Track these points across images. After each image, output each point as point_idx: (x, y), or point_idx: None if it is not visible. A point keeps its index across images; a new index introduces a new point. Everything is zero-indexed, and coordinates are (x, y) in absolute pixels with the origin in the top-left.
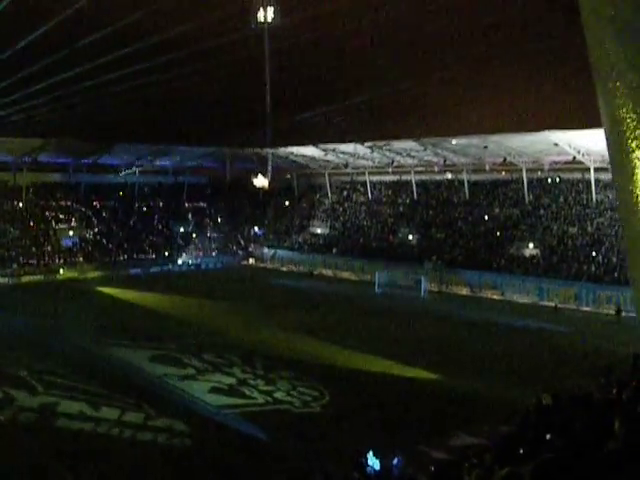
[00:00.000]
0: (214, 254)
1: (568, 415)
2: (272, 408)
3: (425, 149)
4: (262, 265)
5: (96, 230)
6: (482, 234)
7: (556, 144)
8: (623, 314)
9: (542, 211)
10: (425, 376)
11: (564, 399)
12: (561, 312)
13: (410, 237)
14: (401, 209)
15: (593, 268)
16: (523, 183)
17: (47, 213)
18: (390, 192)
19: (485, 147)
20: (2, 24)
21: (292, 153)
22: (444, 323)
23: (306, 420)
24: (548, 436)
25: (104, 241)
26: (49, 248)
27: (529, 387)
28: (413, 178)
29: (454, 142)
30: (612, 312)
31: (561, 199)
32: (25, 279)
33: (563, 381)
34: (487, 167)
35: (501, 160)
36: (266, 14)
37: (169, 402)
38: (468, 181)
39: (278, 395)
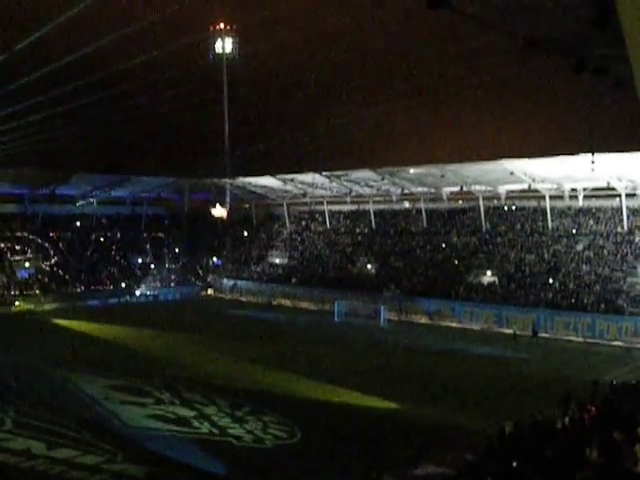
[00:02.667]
0: (172, 285)
1: (533, 442)
2: (218, 439)
3: (383, 179)
4: (221, 296)
5: (53, 261)
6: (440, 262)
7: (512, 172)
8: (582, 339)
9: (499, 239)
10: (386, 405)
11: (526, 426)
12: (520, 339)
13: (369, 266)
14: (359, 238)
15: (550, 295)
16: (480, 211)
17: (2, 244)
18: (348, 221)
19: (442, 176)
20: None
21: (250, 183)
22: (404, 352)
23: (260, 452)
24: (514, 464)
25: (61, 272)
26: (4, 280)
27: (490, 415)
28: (371, 207)
29: (412, 171)
30: (571, 338)
31: (518, 227)
32: None
33: (524, 408)
34: (444, 196)
35: (458, 189)
36: (224, 45)
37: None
38: (426, 210)
39: (225, 425)
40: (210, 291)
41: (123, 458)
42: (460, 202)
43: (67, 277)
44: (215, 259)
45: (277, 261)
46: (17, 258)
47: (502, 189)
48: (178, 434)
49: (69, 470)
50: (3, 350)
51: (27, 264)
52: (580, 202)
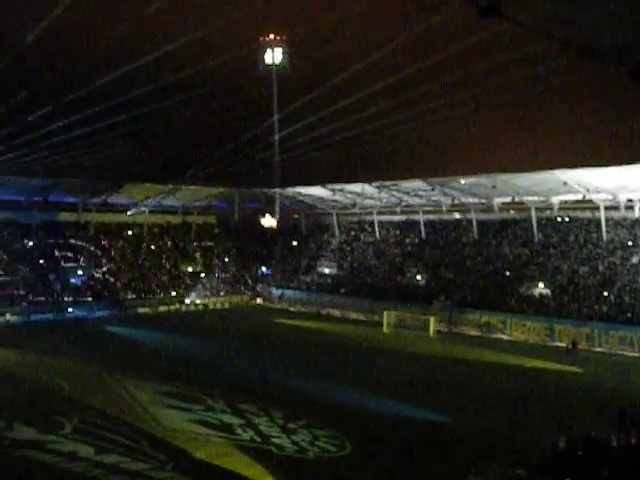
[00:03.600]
0: (222, 294)
1: (588, 460)
2: (257, 446)
3: (433, 189)
4: (270, 305)
5: (105, 269)
6: (491, 274)
7: (565, 183)
8: (639, 354)
9: (552, 250)
10: (436, 418)
11: (580, 443)
12: (573, 353)
13: (418, 277)
14: (409, 249)
15: (605, 308)
16: (532, 222)
17: (56, 252)
18: (398, 232)
19: (494, 187)
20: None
21: (300, 193)
22: (454, 364)
23: (298, 462)
24: None
25: (112, 280)
26: (58, 287)
27: (542, 430)
28: (421, 218)
29: (462, 182)
30: (627, 353)
31: (571, 238)
32: (34, 317)
33: (577, 424)
34: (496, 206)
35: (509, 199)
36: (274, 56)
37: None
38: (477, 220)
39: (270, 434)
40: (259, 300)
41: (173, 467)
42: (512, 213)
43: (118, 285)
44: (264, 268)
45: (326, 271)
46: (70, 265)
47: (555, 200)
48: (216, 438)
49: (108, 473)
50: (58, 356)
51: (80, 271)
52: (636, 213)
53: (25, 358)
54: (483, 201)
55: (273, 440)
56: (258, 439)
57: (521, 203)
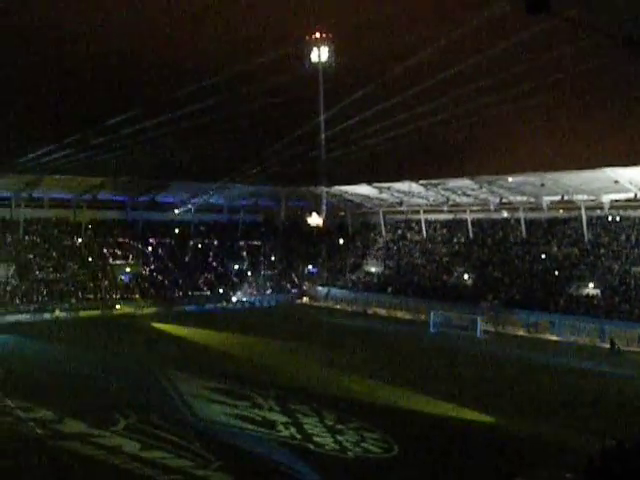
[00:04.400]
0: (268, 292)
1: (636, 465)
2: (295, 443)
3: (481, 187)
4: (316, 304)
5: (152, 267)
6: (539, 273)
7: (616, 181)
8: None
9: (602, 250)
10: (482, 419)
11: (631, 446)
12: (624, 355)
13: (465, 276)
14: (456, 248)
15: None
16: (582, 221)
17: (105, 249)
18: (445, 231)
19: (542, 185)
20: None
21: (346, 192)
22: (500, 364)
23: (335, 460)
24: None
25: (160, 277)
26: (106, 284)
27: (591, 432)
28: (469, 217)
29: (510, 180)
30: None
31: (622, 238)
32: (83, 314)
33: (627, 427)
34: (544, 205)
35: (559, 198)
36: (320, 54)
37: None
38: (525, 219)
39: (313, 433)
40: (305, 299)
41: (218, 467)
42: (561, 212)
43: (166, 282)
44: (310, 267)
45: (372, 270)
46: (119, 263)
47: (606, 198)
48: (254, 433)
49: (143, 467)
50: (107, 351)
51: (128, 269)
52: None
53: (74, 353)
54: (531, 200)
55: (314, 438)
56: (298, 436)
57: (571, 202)
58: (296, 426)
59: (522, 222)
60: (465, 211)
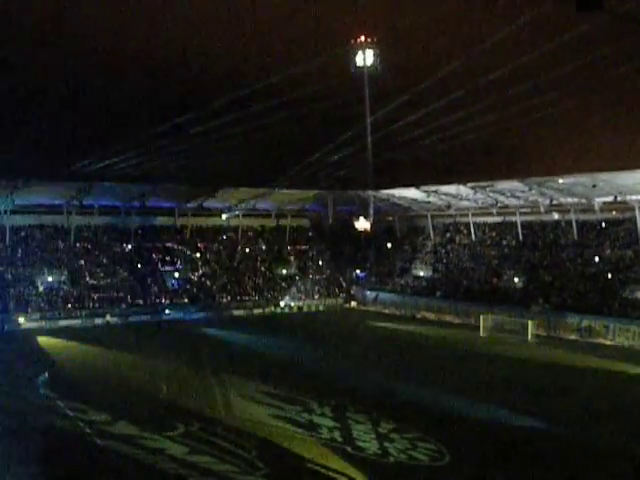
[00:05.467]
0: (316, 297)
1: None
2: (334, 445)
3: (530, 189)
4: (364, 308)
5: (200, 272)
6: (592, 276)
7: None
8: None
9: None
10: (536, 425)
11: None
12: None
13: (516, 280)
14: (506, 251)
15: None
16: (636, 223)
17: (154, 255)
18: (494, 233)
19: (594, 186)
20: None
21: (394, 195)
22: (553, 369)
23: (372, 464)
24: None
25: (208, 283)
26: (156, 289)
27: None
28: (518, 219)
29: (561, 181)
30: None
31: None
32: (133, 319)
33: None
34: (596, 206)
35: (611, 199)
36: (365, 58)
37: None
38: (576, 221)
39: (358, 437)
40: (353, 303)
41: (265, 475)
42: (614, 213)
43: (214, 287)
44: (358, 271)
45: (421, 273)
46: (167, 268)
47: None
48: (294, 434)
49: (179, 468)
50: (158, 356)
51: (176, 274)
52: None
53: (127, 358)
54: (583, 201)
55: (357, 443)
56: (339, 439)
57: (624, 203)
58: (342, 430)
59: (573, 224)
60: (514, 213)
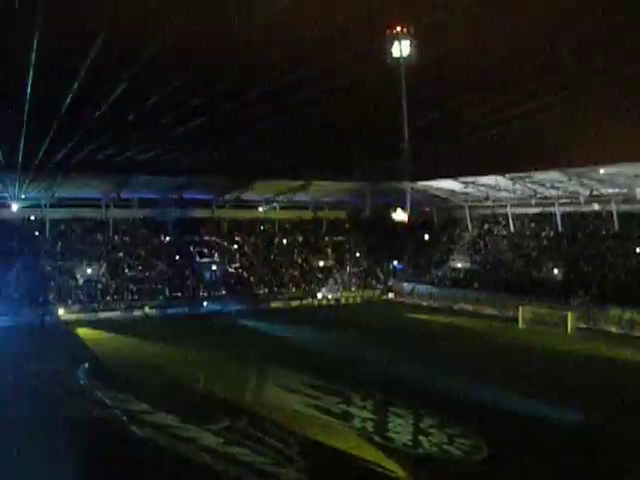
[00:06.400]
0: (353, 289)
1: None
2: (359, 433)
3: (570, 180)
4: (401, 300)
5: (238, 264)
6: (635, 268)
7: None
8: None
9: None
10: (577, 419)
11: None
12: None
13: (555, 271)
14: (545, 242)
15: None
16: None
17: (191, 248)
18: (533, 225)
19: (636, 176)
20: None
21: (431, 187)
22: (594, 362)
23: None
24: None
25: (245, 275)
26: (193, 281)
27: None
28: (557, 210)
29: (602, 171)
30: None
31: None
32: (171, 311)
33: None
34: (639, 197)
35: None
36: (401, 48)
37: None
38: (618, 212)
39: (391, 429)
40: (390, 295)
41: (299, 468)
42: None
43: (251, 279)
44: (396, 263)
45: (459, 265)
46: (205, 261)
47: None
48: (324, 422)
49: (206, 456)
50: (196, 348)
51: (214, 267)
52: None
53: (165, 350)
54: (625, 191)
55: (387, 434)
56: (369, 429)
57: None
58: (376, 422)
59: (614, 215)
60: (554, 204)
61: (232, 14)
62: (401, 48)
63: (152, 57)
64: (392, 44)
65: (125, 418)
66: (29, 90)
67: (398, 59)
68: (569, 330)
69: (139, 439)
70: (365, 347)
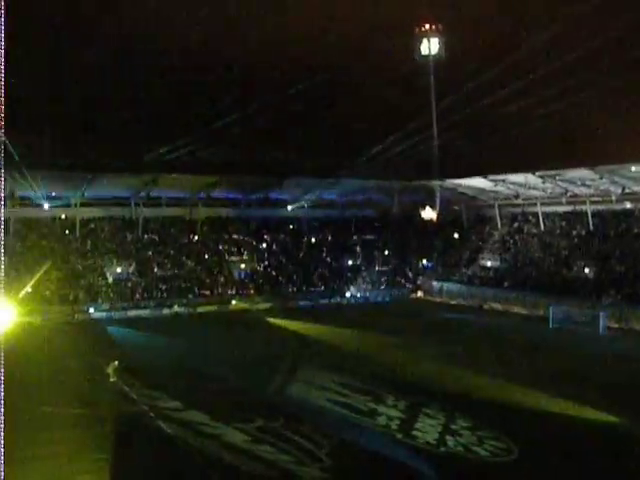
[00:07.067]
0: (382, 287)
1: None
2: (385, 431)
3: (601, 177)
4: (430, 298)
5: (266, 263)
6: None
7: None
8: None
9: None
10: (608, 420)
11: None
12: None
13: (586, 270)
14: (576, 241)
15: None
16: None
17: (220, 246)
18: (564, 223)
19: None
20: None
21: (460, 185)
22: (626, 362)
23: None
24: None
25: (274, 273)
26: (222, 280)
27: None
28: (588, 208)
29: (633, 169)
30: None
31: None
32: (200, 309)
33: None
34: None
35: None
36: (430, 46)
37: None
38: None
39: (419, 428)
40: (419, 293)
41: (323, 468)
42: None
43: (280, 278)
44: (425, 261)
45: (488, 264)
46: (234, 259)
47: None
48: (349, 419)
49: (224, 452)
50: (226, 347)
51: (243, 265)
52: None
53: (196, 348)
54: None
55: (412, 432)
56: (394, 427)
57: None
58: (403, 421)
59: None
60: (585, 202)
61: (258, 14)
62: (430, 46)
63: (185, 58)
64: (421, 42)
65: (153, 414)
66: (60, 90)
67: (427, 57)
68: (600, 330)
69: (166, 435)
70: (398, 348)
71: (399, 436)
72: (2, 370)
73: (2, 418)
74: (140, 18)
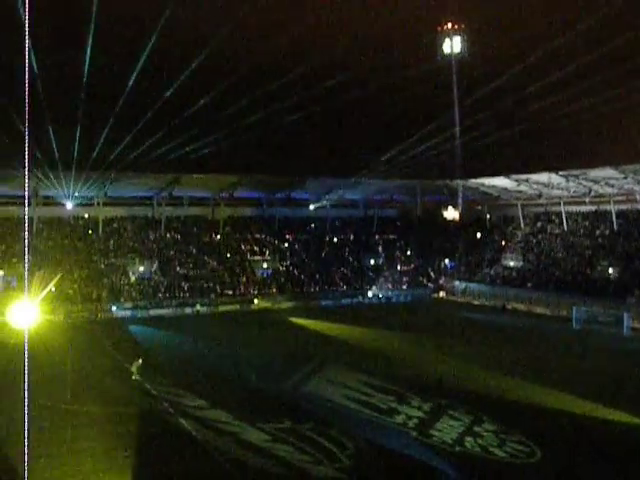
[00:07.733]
0: (404, 287)
1: None
2: (401, 429)
3: (626, 177)
4: (453, 298)
5: (289, 262)
6: None
7: None
8: None
9: None
10: (632, 421)
11: None
12: None
13: (610, 270)
14: (600, 240)
15: None
16: None
17: (242, 246)
18: (587, 223)
19: None
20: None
21: (483, 184)
22: None
23: (435, 450)
24: None
25: (296, 273)
26: (244, 279)
27: None
28: (613, 208)
29: None
30: None
31: None
32: (222, 308)
33: None
34: None
35: None
36: (453, 45)
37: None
38: None
39: (440, 427)
40: (442, 294)
41: (341, 468)
42: None
43: (302, 277)
44: (447, 261)
45: (511, 264)
46: (256, 259)
47: None
48: (368, 416)
49: (238, 449)
50: (249, 346)
51: (265, 264)
52: None
53: (218, 348)
54: None
55: (430, 431)
56: (411, 425)
57: None
58: (423, 421)
59: None
60: (609, 202)
61: (279, 17)
62: (452, 44)
63: (204, 60)
64: (443, 41)
65: (172, 410)
66: (85, 89)
67: (449, 55)
68: (625, 330)
69: (186, 434)
70: (419, 348)
71: (414, 434)
72: (29, 368)
73: (29, 414)
74: (169, 18)
